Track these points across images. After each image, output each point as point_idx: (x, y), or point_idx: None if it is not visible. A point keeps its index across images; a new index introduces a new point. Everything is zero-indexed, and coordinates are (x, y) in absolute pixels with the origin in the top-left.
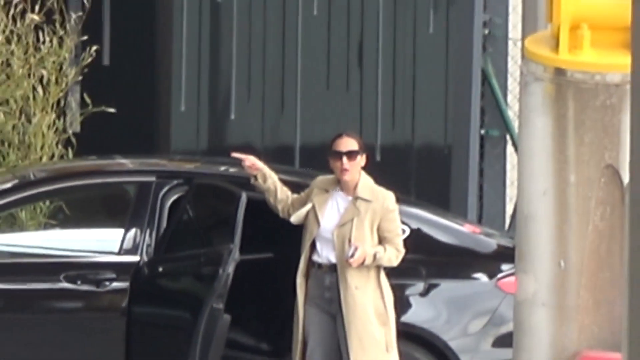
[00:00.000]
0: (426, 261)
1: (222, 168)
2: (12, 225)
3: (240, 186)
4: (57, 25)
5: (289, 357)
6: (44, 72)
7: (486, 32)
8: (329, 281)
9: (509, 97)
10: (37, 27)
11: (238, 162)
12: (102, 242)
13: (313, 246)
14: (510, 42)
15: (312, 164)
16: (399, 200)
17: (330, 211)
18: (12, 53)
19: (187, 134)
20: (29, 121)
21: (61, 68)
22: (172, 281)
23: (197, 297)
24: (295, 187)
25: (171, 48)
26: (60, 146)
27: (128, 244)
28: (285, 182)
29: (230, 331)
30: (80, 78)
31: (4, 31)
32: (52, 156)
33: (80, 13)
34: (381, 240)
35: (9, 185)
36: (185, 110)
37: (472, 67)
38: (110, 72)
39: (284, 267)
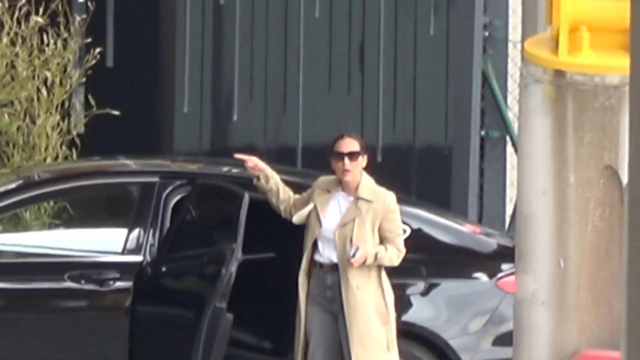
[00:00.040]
0: (427, 261)
1: (225, 169)
2: (17, 225)
3: (242, 187)
4: (61, 27)
5: (291, 356)
6: (48, 74)
7: (486, 34)
8: (331, 280)
9: (509, 99)
10: (42, 30)
11: (241, 163)
12: (105, 242)
13: (315, 246)
14: (510, 44)
15: (313, 165)
16: (399, 201)
17: (331, 211)
18: (16, 55)
19: (190, 135)
20: (34, 122)
21: (65, 70)
22: (175, 281)
23: (200, 296)
24: (297, 188)
25: (174, 50)
26: (64, 147)
27: (131, 244)
28: (287, 183)
29: (233, 330)
30: (84, 80)
31: (8, 33)
32: (57, 157)
33: (84, 15)
34: (382, 240)
35: (13, 185)
36: (188, 112)
37: (472, 68)
38: (113, 74)
39: (286, 267)
